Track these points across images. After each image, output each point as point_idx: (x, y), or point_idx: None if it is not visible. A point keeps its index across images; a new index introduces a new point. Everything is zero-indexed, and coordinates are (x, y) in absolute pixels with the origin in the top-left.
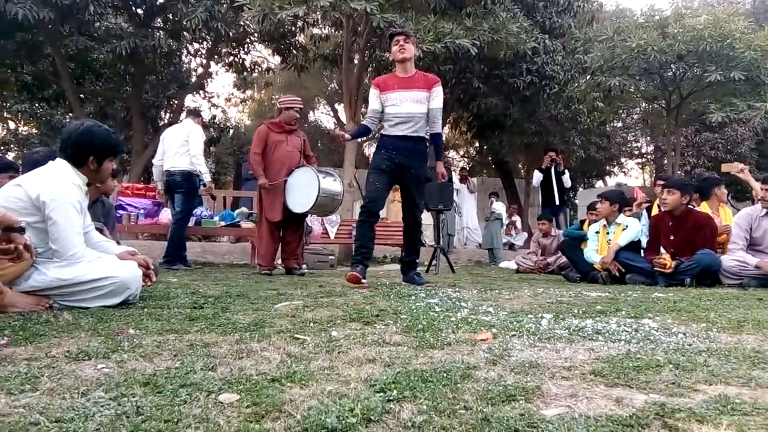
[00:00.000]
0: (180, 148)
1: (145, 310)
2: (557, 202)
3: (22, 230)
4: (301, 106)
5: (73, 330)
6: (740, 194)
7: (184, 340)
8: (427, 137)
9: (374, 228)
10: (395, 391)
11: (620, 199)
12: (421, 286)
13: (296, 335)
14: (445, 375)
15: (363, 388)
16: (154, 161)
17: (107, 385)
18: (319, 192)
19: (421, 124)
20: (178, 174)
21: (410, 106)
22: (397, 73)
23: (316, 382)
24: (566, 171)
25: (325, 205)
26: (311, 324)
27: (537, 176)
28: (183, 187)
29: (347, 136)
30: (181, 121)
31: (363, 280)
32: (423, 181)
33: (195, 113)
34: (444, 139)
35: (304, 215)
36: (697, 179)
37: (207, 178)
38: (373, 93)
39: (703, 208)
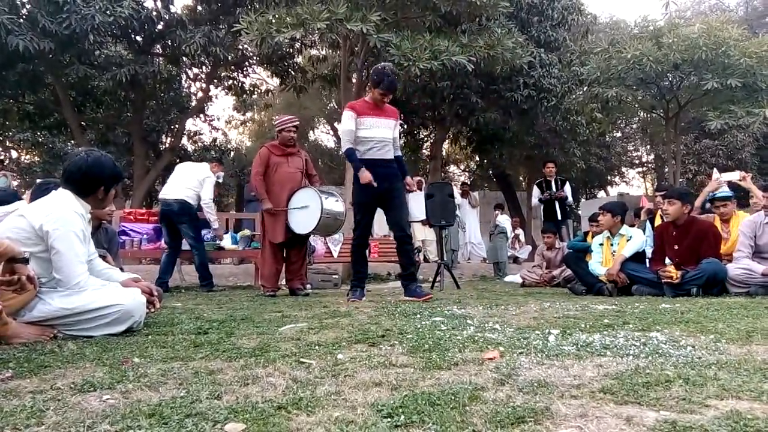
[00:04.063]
0: (189, 183)
1: (150, 337)
2: (559, 216)
3: (25, 261)
4: (296, 125)
5: (78, 360)
6: (744, 199)
7: (189, 368)
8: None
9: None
10: (403, 416)
11: (622, 211)
12: (423, 298)
13: (302, 359)
14: (452, 397)
15: (370, 413)
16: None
17: (113, 417)
18: (321, 213)
19: (391, 147)
20: (175, 204)
21: (384, 131)
22: (368, 101)
23: (323, 409)
24: (566, 182)
25: (328, 225)
26: (316, 347)
27: (536, 194)
28: (184, 216)
29: (365, 175)
30: (200, 161)
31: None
32: (404, 197)
33: (219, 161)
34: (444, 153)
35: (308, 235)
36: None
37: (216, 225)
38: (350, 115)
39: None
